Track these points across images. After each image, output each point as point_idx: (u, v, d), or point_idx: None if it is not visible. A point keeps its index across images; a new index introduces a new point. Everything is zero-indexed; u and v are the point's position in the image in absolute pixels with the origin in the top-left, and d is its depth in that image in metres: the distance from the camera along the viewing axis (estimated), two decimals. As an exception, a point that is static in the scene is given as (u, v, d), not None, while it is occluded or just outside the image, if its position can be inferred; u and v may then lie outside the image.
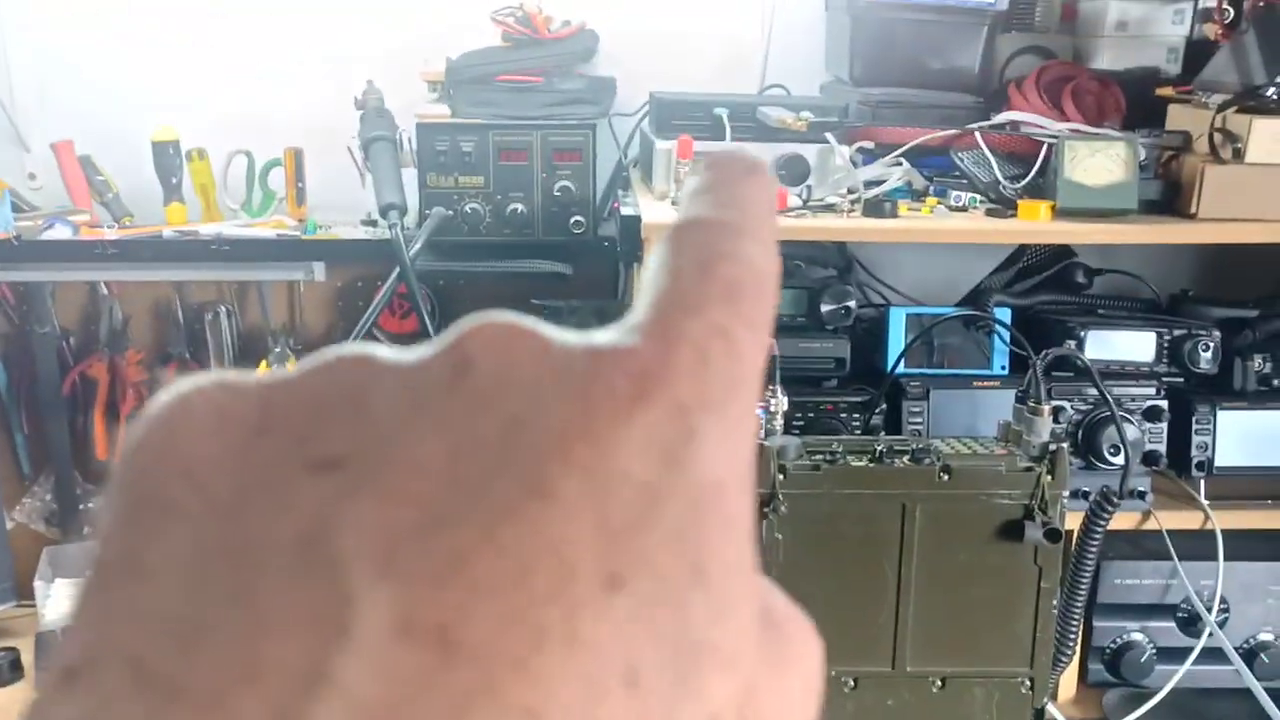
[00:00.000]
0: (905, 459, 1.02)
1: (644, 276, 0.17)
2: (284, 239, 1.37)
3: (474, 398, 0.15)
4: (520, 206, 1.32)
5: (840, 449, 1.04)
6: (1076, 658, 1.28)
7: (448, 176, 1.30)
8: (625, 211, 1.21)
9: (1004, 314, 1.29)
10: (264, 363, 1.47)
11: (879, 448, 1.03)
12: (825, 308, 1.26)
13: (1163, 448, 1.25)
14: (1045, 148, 1.19)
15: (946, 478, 1.00)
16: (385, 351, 0.16)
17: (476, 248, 1.33)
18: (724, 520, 0.16)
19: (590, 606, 0.14)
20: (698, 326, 0.16)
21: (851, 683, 1.04)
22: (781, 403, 1.11)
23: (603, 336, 0.16)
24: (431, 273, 1.31)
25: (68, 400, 1.47)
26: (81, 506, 1.52)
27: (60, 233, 1.37)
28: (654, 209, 1.24)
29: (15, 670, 1.34)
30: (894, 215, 1.19)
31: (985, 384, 1.28)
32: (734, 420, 0.16)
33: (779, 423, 1.11)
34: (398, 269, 1.23)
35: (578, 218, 1.35)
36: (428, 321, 1.21)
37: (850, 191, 1.20)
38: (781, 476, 1.00)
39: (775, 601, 0.18)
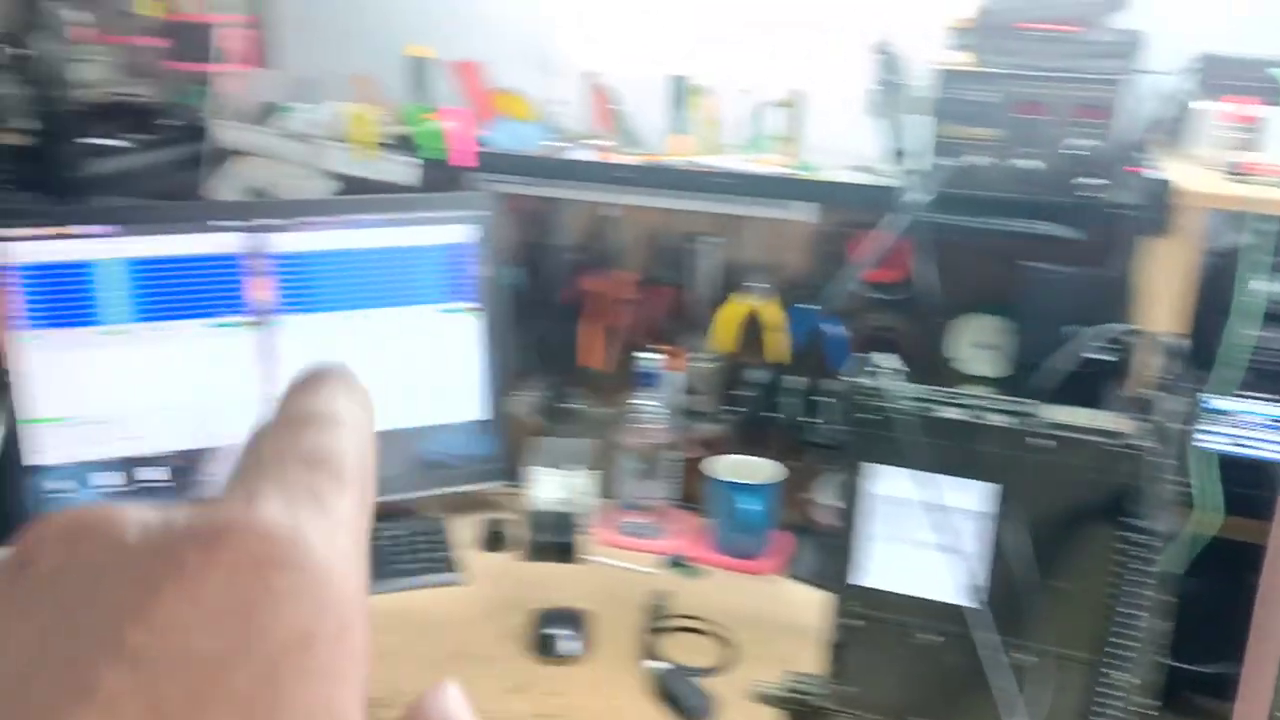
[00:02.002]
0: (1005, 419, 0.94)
1: (232, 467, 0.17)
2: (784, 176, 1.41)
3: (33, 591, 0.15)
4: (1030, 163, 1.25)
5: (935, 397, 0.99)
6: None
7: (959, 126, 1.26)
8: (1149, 175, 1.11)
9: None
10: (744, 296, 1.52)
11: (976, 403, 0.96)
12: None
13: None
14: None
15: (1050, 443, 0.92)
16: None
17: (977, 202, 1.28)
18: (306, 673, 0.15)
19: None
20: (279, 487, 0.16)
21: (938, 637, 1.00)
22: None
23: (182, 510, 0.15)
24: (931, 224, 1.28)
25: (565, 308, 1.62)
26: (567, 406, 1.67)
27: (582, 155, 1.50)
28: (1185, 174, 1.13)
29: (507, 540, 1.52)
30: None
31: None
32: (325, 569, 0.15)
33: None
34: (896, 217, 1.21)
35: (1092, 179, 1.25)
36: (928, 272, 1.19)
37: None
38: (868, 416, 0.96)
39: (443, 707, 0.18)
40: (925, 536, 0.99)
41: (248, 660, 0.15)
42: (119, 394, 1.40)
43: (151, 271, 1.39)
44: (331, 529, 0.17)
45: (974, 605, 0.97)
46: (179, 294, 1.40)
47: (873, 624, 1.03)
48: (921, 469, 0.95)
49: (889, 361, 0.97)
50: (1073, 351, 1.07)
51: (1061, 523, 0.96)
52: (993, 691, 0.99)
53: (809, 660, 1.25)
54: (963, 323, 1.43)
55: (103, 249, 1.36)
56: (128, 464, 1.42)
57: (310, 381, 0.21)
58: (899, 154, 1.23)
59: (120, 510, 0.16)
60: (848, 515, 1.01)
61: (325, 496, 0.17)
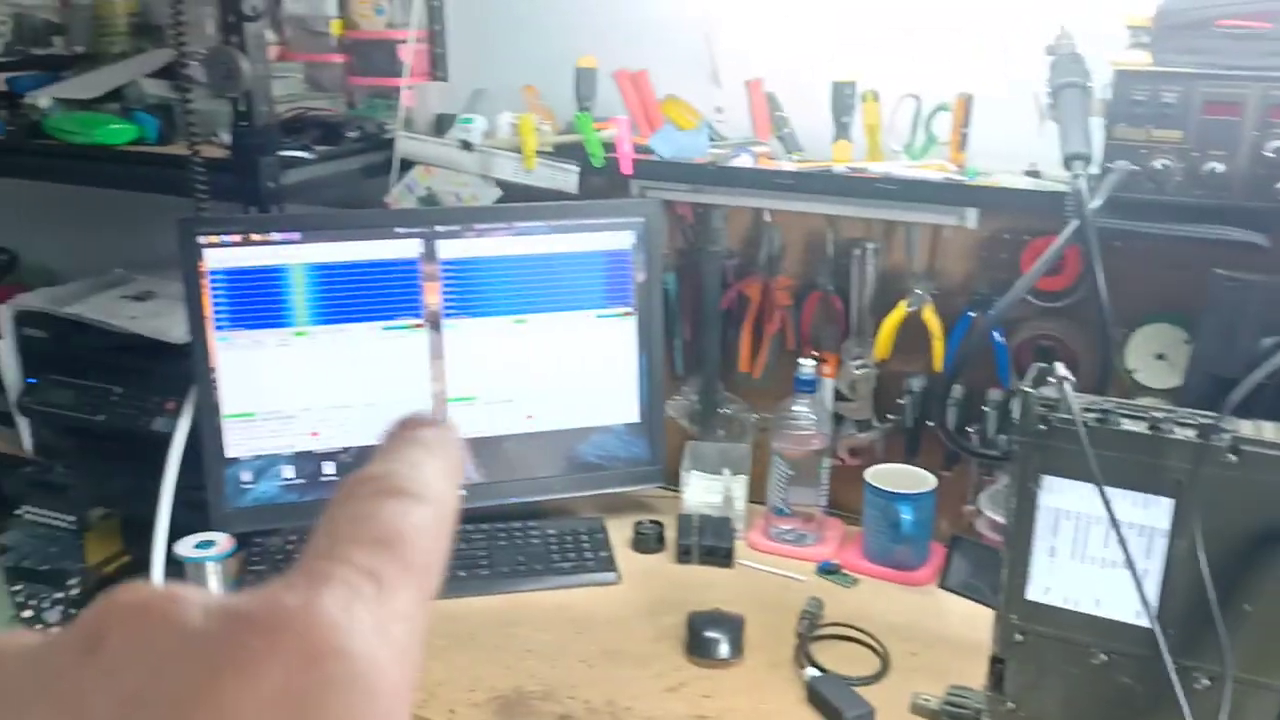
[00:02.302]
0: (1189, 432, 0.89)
1: (315, 530, 0.17)
2: (949, 182, 1.39)
3: (97, 676, 0.15)
4: (1220, 166, 1.19)
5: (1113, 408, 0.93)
6: None
7: (1140, 128, 1.21)
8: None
9: None
10: (902, 304, 1.51)
11: (1157, 414, 0.91)
12: None
13: None
14: None
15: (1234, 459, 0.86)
16: (19, 636, 0.16)
17: (1160, 207, 1.23)
18: None
19: None
20: (345, 572, 0.16)
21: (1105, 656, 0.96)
22: None
23: (245, 596, 0.16)
24: (1105, 231, 1.23)
25: (723, 314, 1.64)
26: (721, 411, 1.69)
27: (743, 162, 1.51)
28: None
29: (660, 542, 1.54)
30: None
31: None
32: (376, 664, 0.16)
33: None
34: (1073, 223, 1.18)
35: (1284, 183, 1.19)
36: (1101, 280, 1.15)
37: None
38: (1044, 426, 0.92)
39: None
40: (1097, 552, 0.96)
41: None
42: (300, 392, 1.49)
43: (334, 276, 1.47)
44: (387, 621, 0.17)
45: (1146, 624, 0.94)
46: (358, 298, 1.48)
47: (1037, 640, 1.00)
48: (1096, 482, 0.92)
49: (1064, 371, 0.95)
50: (1263, 363, 1.02)
51: (1245, 542, 0.91)
52: (1161, 715, 0.95)
53: (965, 674, 1.23)
54: (1137, 332, 1.37)
55: (290, 255, 1.45)
56: (305, 458, 1.51)
57: (407, 437, 0.21)
58: (1072, 158, 1.19)
59: (184, 593, 0.17)
60: (1016, 527, 0.99)
61: (387, 584, 0.18)
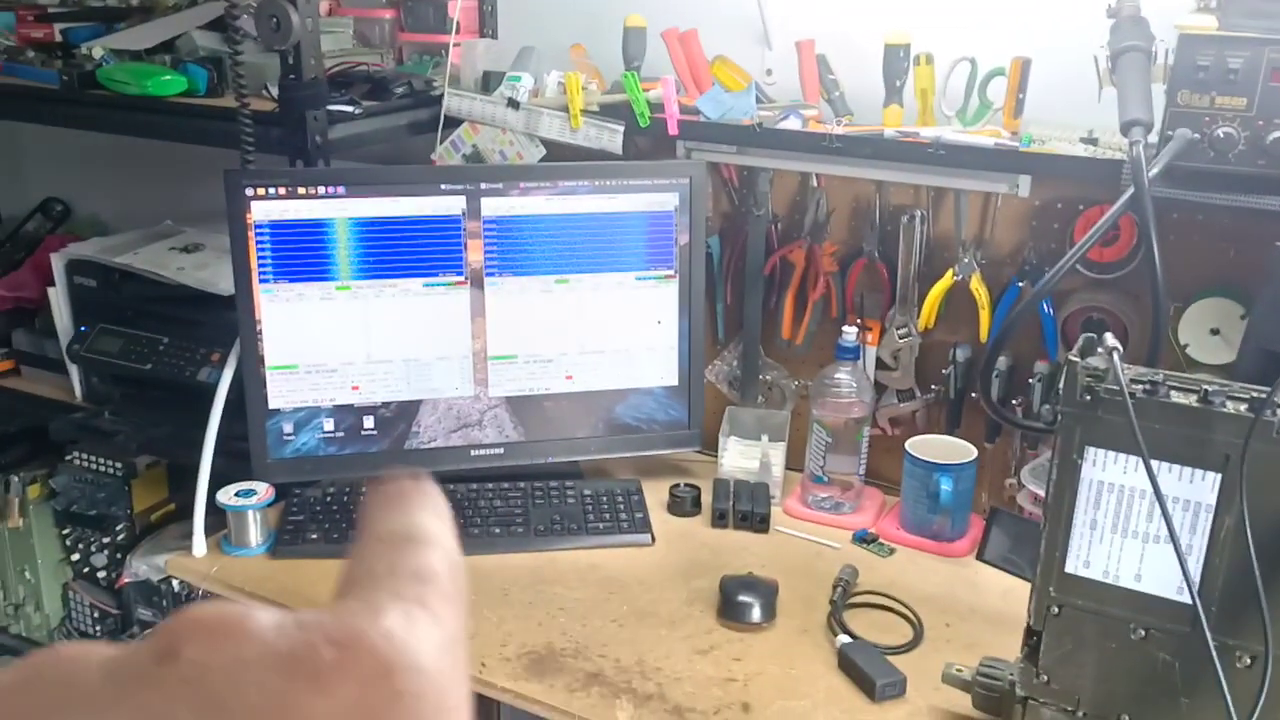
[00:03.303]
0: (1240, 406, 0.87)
1: (339, 583, 0.19)
2: (1001, 148, 1.35)
3: (175, 685, 0.15)
4: (1284, 136, 1.16)
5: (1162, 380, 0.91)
6: None
7: (1203, 95, 1.18)
8: None
9: None
10: (950, 272, 1.48)
11: (1208, 387, 0.88)
12: None
13: None
14: None
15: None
16: (95, 648, 0.17)
17: (1221, 177, 1.19)
18: None
19: None
20: (397, 600, 0.18)
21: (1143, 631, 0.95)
22: None
23: (313, 614, 0.16)
24: (1163, 200, 1.20)
25: (766, 279, 1.62)
26: (761, 377, 1.68)
27: (791, 124, 1.49)
28: None
29: (695, 505, 1.54)
30: None
31: None
32: (442, 678, 0.17)
33: None
34: (1129, 192, 1.14)
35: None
36: (1156, 251, 1.12)
37: None
38: (1089, 397, 0.90)
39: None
40: (1140, 526, 0.94)
41: None
42: (341, 346, 1.50)
43: (378, 231, 1.47)
44: (445, 640, 0.18)
45: (1188, 600, 0.92)
46: (401, 253, 1.49)
47: (1073, 613, 0.99)
48: (1142, 455, 0.90)
49: (1113, 341, 0.92)
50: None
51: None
52: (1199, 690, 0.93)
53: (999, 646, 1.21)
54: (1191, 306, 1.34)
55: (335, 209, 1.46)
56: (345, 412, 1.52)
57: (402, 500, 0.22)
58: (1130, 124, 1.16)
59: (256, 611, 0.17)
60: (1056, 499, 0.97)
61: (437, 611, 0.19)
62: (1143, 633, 0.96)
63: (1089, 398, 0.93)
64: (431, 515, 0.22)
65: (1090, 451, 0.94)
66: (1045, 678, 1.01)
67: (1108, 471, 0.94)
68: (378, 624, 0.17)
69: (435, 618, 0.19)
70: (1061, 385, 0.94)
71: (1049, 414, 1.00)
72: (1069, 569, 0.98)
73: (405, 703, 0.16)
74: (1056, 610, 0.99)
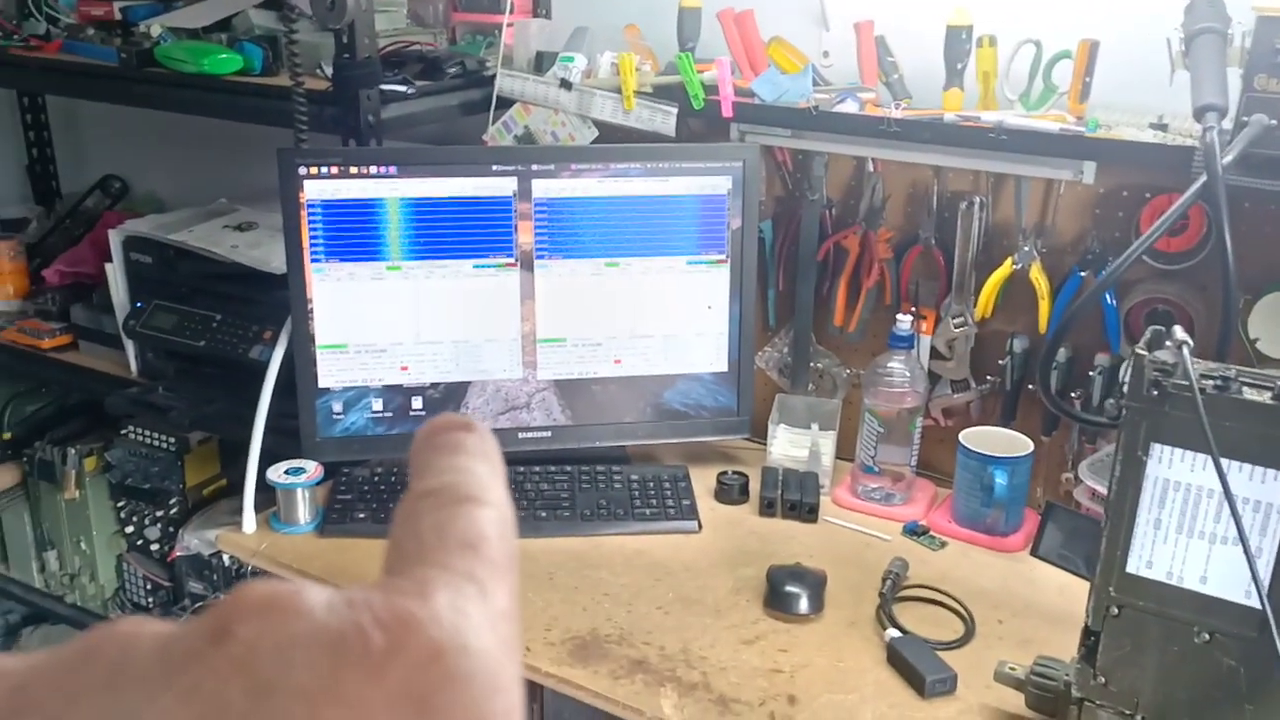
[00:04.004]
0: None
1: (388, 546, 0.19)
2: (1066, 134, 1.32)
3: (227, 666, 0.16)
4: (1367, 123, 1.11)
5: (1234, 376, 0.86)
6: None
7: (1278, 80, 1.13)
8: None
9: None
10: (1009, 261, 1.44)
11: None
12: None
13: None
14: None
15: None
16: (149, 624, 0.17)
17: (1298, 166, 1.15)
18: None
19: None
20: (446, 576, 0.17)
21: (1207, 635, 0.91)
22: None
23: (363, 593, 0.16)
24: (1236, 189, 1.16)
25: (819, 265, 1.59)
26: (812, 364, 1.65)
27: (848, 107, 1.46)
28: None
29: (743, 493, 1.52)
30: None
31: None
32: (491, 660, 0.17)
33: None
34: (1200, 179, 1.10)
35: None
36: (1228, 242, 1.08)
37: None
38: (1157, 392, 0.86)
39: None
40: (1207, 526, 0.91)
41: None
42: (391, 326, 1.50)
43: (429, 212, 1.47)
44: (495, 618, 0.18)
45: (1256, 604, 0.88)
46: (452, 234, 1.48)
47: (1134, 614, 0.96)
48: (1212, 453, 0.87)
49: (1182, 334, 0.89)
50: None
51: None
52: (1266, 697, 0.90)
53: (1053, 644, 1.19)
54: (1262, 299, 1.29)
55: (387, 189, 1.46)
56: (394, 392, 1.52)
57: (450, 440, 0.21)
58: (1204, 110, 1.11)
59: (308, 589, 0.18)
60: (1119, 496, 0.94)
61: (486, 585, 0.19)
62: (1207, 636, 0.93)
63: (1156, 393, 0.90)
64: (484, 467, 0.21)
65: (1156, 448, 0.91)
66: (1103, 679, 0.98)
67: (1174, 469, 0.91)
68: (426, 605, 0.17)
69: (484, 593, 0.18)
70: (1127, 379, 0.91)
71: (1113, 409, 0.97)
72: (1130, 569, 0.95)
73: (455, 685, 0.16)
74: (1116, 611, 0.96)
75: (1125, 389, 0.92)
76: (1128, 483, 0.93)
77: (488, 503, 0.21)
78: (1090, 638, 0.99)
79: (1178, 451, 0.91)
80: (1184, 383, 0.88)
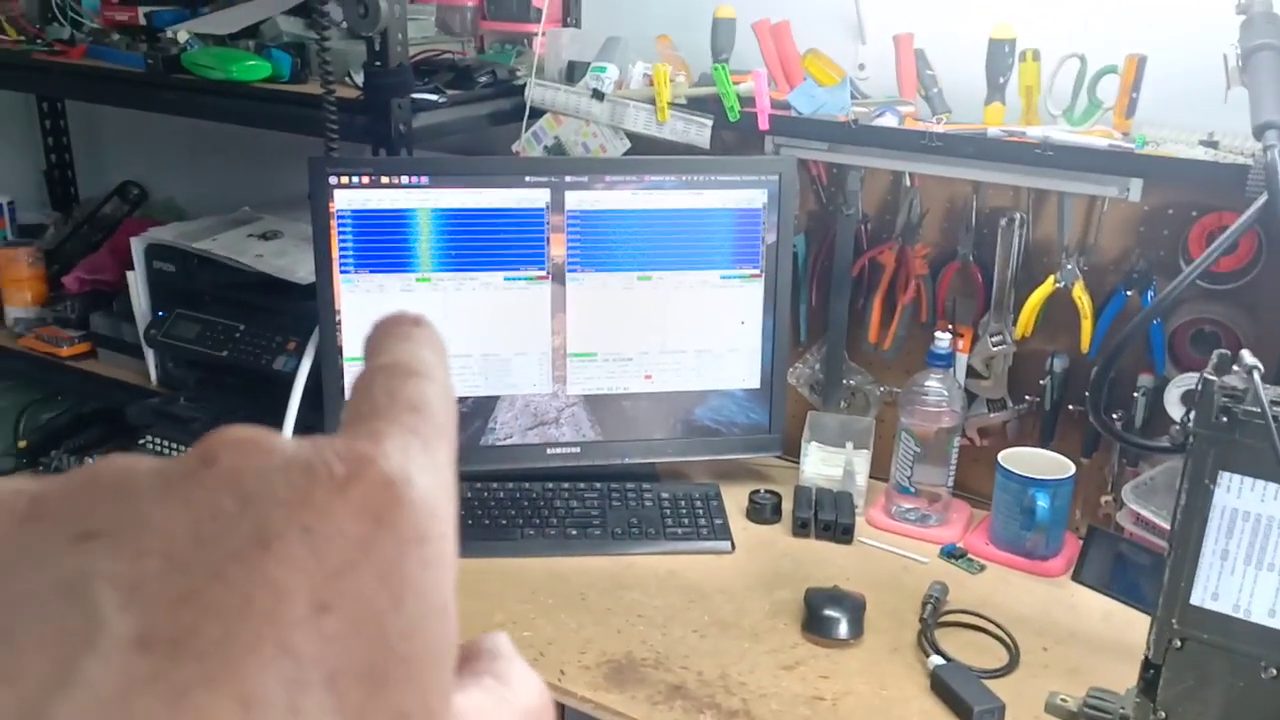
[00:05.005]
0: None
1: (345, 410, 0.23)
2: (1114, 150, 1.29)
3: (216, 482, 0.19)
4: None
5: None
6: None
7: (1341, 98, 1.11)
8: None
9: None
10: (1050, 279, 1.42)
11: None
12: None
13: None
14: None
15: None
16: (143, 458, 0.20)
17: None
18: (422, 563, 0.20)
19: (301, 626, 0.18)
20: (395, 428, 0.21)
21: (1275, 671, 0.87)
22: None
23: (323, 439, 0.20)
24: (1292, 208, 1.13)
25: (854, 281, 1.57)
26: (845, 382, 1.62)
27: (887, 121, 1.44)
28: None
29: (776, 513, 1.50)
30: None
31: None
32: (431, 493, 0.21)
33: None
34: (1261, 199, 1.08)
35: None
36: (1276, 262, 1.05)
37: None
38: (1225, 419, 0.83)
39: (494, 642, 0.25)
40: (1277, 558, 0.88)
41: (380, 545, 0.19)
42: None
43: (460, 223, 1.45)
44: (434, 465, 0.22)
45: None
46: (483, 246, 1.46)
47: (1198, 647, 0.93)
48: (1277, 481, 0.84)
49: (1252, 359, 0.86)
50: None
51: None
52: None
53: (1102, 674, 1.16)
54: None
55: (418, 199, 1.43)
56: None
57: (402, 329, 0.25)
58: (1264, 128, 1.09)
59: (276, 433, 0.21)
60: (1184, 525, 0.91)
61: (429, 440, 0.22)
62: (1275, 671, 0.90)
63: (1225, 419, 0.87)
64: (430, 352, 0.24)
65: (1224, 477, 0.88)
66: (1163, 714, 0.95)
67: (1243, 498, 0.88)
68: (379, 448, 0.21)
69: (426, 446, 0.22)
70: (1195, 405, 0.88)
71: (1177, 434, 0.94)
72: (1194, 600, 0.92)
73: (404, 506, 0.20)
74: (1179, 644, 0.93)
75: (1191, 414, 0.89)
76: (1193, 512, 0.90)
77: (433, 379, 0.24)
78: (1150, 670, 0.96)
79: (1247, 480, 0.88)
80: (1255, 409, 0.85)
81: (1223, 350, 0.91)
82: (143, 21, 1.75)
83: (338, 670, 0.18)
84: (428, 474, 0.21)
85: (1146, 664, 0.96)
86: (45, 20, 1.86)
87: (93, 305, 1.92)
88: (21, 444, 2.04)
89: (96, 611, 0.18)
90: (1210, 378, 0.88)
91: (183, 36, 1.62)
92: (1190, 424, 0.89)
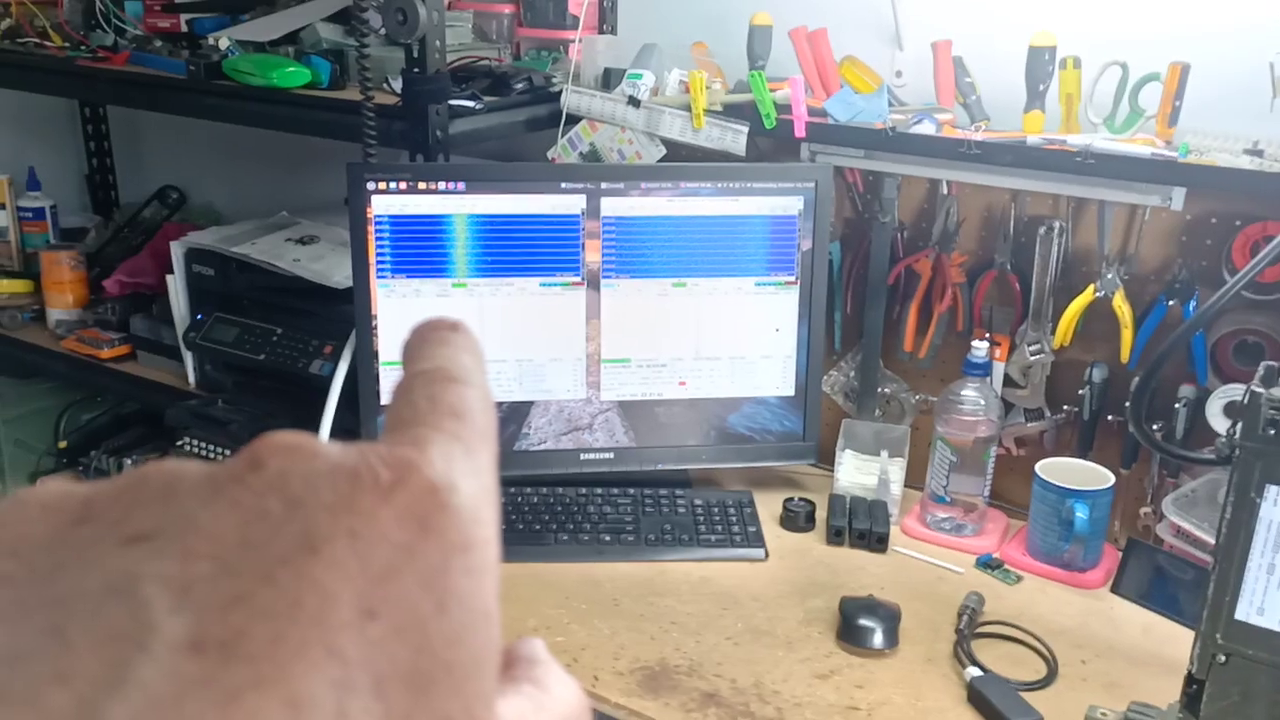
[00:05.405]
0: None
1: (386, 416, 0.23)
2: (1158, 159, 1.28)
3: (263, 485, 0.20)
4: None
5: None
6: None
7: (1391, 107, 1.09)
8: None
9: None
10: (1090, 288, 1.40)
11: None
12: None
13: None
14: None
15: None
16: (190, 463, 0.21)
17: None
18: (466, 570, 0.20)
19: (348, 630, 0.18)
20: (438, 434, 0.22)
21: None
22: None
23: (367, 445, 0.21)
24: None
25: (889, 289, 1.56)
26: (880, 390, 1.62)
27: (925, 129, 1.43)
28: None
29: (810, 521, 1.49)
30: None
31: None
32: (475, 499, 0.21)
33: None
34: (1307, 208, 1.06)
35: None
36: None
37: None
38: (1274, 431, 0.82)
39: (531, 648, 0.25)
40: (1325, 574, 0.87)
41: (425, 552, 0.20)
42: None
43: (497, 229, 1.45)
44: (477, 470, 0.22)
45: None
46: (519, 252, 1.46)
47: (1243, 663, 0.92)
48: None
49: (1302, 371, 0.85)
50: None
51: None
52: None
53: (1142, 688, 1.14)
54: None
55: (455, 205, 1.44)
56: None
57: (439, 334, 0.25)
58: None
59: (321, 439, 0.21)
60: (1230, 539, 0.90)
61: (470, 445, 0.22)
62: (1322, 689, 0.88)
63: (1273, 432, 0.86)
64: (468, 357, 0.25)
65: (1271, 490, 0.87)
66: (1206, 730, 0.94)
67: (1289, 512, 0.87)
68: (422, 454, 0.21)
69: (469, 451, 0.22)
70: (1242, 417, 0.87)
71: (1223, 447, 0.93)
72: (1239, 615, 0.91)
73: (448, 512, 0.20)
74: (1224, 659, 0.92)
75: (1238, 426, 0.88)
76: (1239, 525, 0.89)
77: (472, 384, 0.24)
78: (1193, 685, 0.95)
79: (1292, 493, 0.86)
80: (1304, 422, 0.84)
81: (1271, 363, 0.90)
82: (184, 28, 1.77)
83: (383, 675, 0.19)
84: (471, 479, 0.21)
85: (1189, 679, 0.95)
86: (89, 27, 1.88)
87: (133, 308, 1.94)
88: (62, 444, 2.07)
89: (147, 613, 0.18)
90: (1258, 390, 0.87)
91: (224, 43, 1.64)
92: (1236, 436, 0.88)
